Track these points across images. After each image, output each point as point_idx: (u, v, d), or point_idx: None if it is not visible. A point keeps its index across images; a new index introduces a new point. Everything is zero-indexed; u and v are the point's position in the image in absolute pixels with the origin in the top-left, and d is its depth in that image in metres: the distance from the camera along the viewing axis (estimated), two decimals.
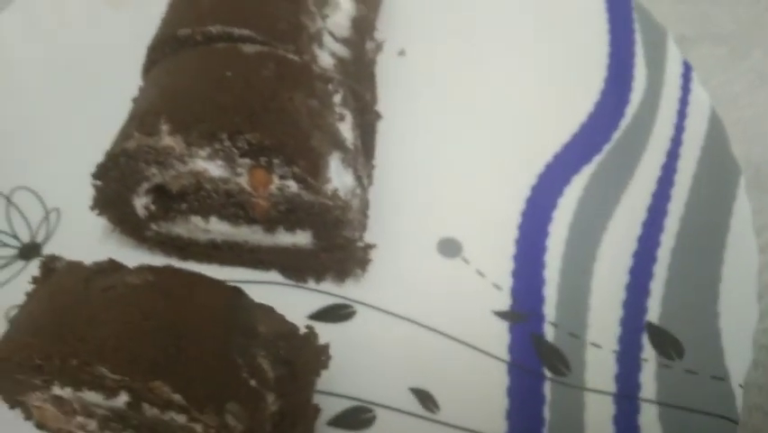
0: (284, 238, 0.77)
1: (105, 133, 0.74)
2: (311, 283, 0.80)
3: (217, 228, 0.77)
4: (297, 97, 0.72)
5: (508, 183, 0.87)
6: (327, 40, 0.81)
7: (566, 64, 0.97)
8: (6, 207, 0.86)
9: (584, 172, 0.87)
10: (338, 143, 0.73)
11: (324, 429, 0.69)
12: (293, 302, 0.76)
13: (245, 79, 0.72)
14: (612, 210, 0.83)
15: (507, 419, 0.70)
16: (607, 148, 0.89)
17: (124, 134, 0.71)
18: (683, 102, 0.90)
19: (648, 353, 0.72)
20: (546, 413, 0.70)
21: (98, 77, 0.96)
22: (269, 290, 0.79)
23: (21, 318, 0.60)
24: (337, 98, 0.76)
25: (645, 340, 0.73)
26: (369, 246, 0.78)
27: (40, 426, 0.66)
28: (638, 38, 0.97)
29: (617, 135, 0.90)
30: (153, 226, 0.79)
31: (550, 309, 0.77)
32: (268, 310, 0.63)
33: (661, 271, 0.77)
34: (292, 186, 0.70)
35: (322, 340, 0.66)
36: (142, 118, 0.70)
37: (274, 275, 0.81)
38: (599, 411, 0.69)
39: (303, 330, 0.65)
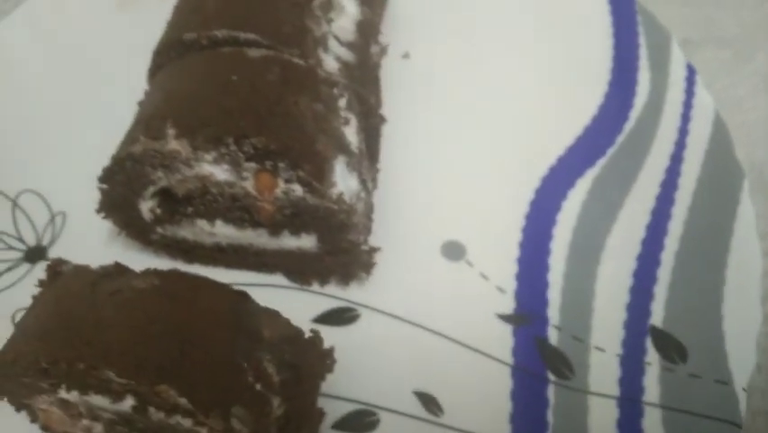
0: (289, 241, 0.77)
1: (111, 136, 0.75)
2: (315, 286, 0.80)
3: (223, 232, 0.77)
4: (303, 101, 0.72)
5: (512, 186, 0.87)
6: (332, 44, 0.82)
7: (570, 67, 0.97)
8: (12, 209, 0.86)
9: (588, 176, 0.87)
10: (343, 147, 0.73)
11: None
12: (297, 305, 0.77)
13: (251, 83, 0.72)
14: (616, 214, 0.83)
15: (511, 423, 0.70)
16: (611, 151, 0.89)
17: (130, 138, 0.71)
18: (687, 105, 0.90)
19: (652, 356, 0.72)
20: (550, 417, 0.70)
21: (105, 80, 0.97)
22: (273, 293, 0.79)
23: (27, 322, 0.61)
24: (342, 102, 0.76)
25: (649, 344, 0.73)
26: (373, 250, 0.78)
27: (45, 428, 0.67)
28: (642, 41, 0.97)
29: (620, 139, 0.90)
30: (159, 230, 0.80)
31: (554, 313, 0.77)
32: (273, 314, 0.63)
33: (664, 274, 0.77)
34: (297, 190, 0.70)
35: (326, 343, 0.66)
36: (148, 122, 0.71)
37: (279, 278, 0.81)
38: (603, 415, 0.69)
39: (308, 334, 0.65)
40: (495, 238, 0.83)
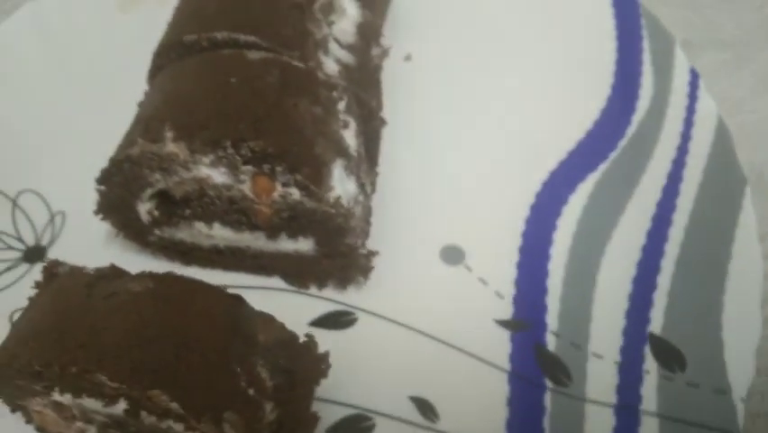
0: (286, 245, 0.77)
1: (111, 136, 0.75)
2: (313, 290, 0.80)
3: (220, 234, 0.77)
4: (302, 104, 0.72)
5: (513, 191, 0.86)
6: (333, 46, 0.81)
7: (573, 71, 0.97)
8: (12, 209, 0.86)
9: (589, 180, 0.87)
10: (341, 151, 0.73)
11: None
12: (295, 308, 0.77)
13: (250, 86, 0.72)
14: (617, 219, 0.83)
15: (507, 430, 0.69)
16: (612, 156, 0.88)
17: (128, 140, 0.71)
18: (690, 110, 0.89)
19: (650, 364, 0.72)
20: (546, 424, 0.69)
21: (105, 81, 0.97)
22: (271, 296, 0.79)
23: (22, 324, 0.61)
24: (341, 105, 0.76)
25: (648, 351, 0.73)
26: (371, 253, 0.78)
27: (40, 430, 0.67)
28: (646, 45, 0.96)
29: (622, 143, 0.89)
30: (156, 231, 0.80)
31: (552, 319, 0.76)
32: (268, 319, 0.63)
33: (664, 281, 0.77)
34: (295, 193, 0.70)
35: (323, 346, 0.66)
36: (147, 124, 0.71)
37: (276, 281, 0.81)
38: (600, 423, 0.69)
39: (303, 338, 0.65)
40: (494, 243, 0.82)
